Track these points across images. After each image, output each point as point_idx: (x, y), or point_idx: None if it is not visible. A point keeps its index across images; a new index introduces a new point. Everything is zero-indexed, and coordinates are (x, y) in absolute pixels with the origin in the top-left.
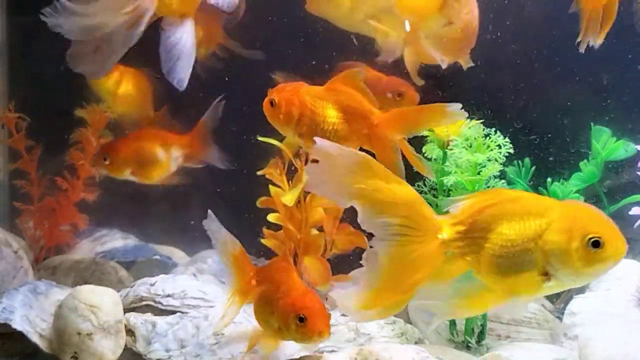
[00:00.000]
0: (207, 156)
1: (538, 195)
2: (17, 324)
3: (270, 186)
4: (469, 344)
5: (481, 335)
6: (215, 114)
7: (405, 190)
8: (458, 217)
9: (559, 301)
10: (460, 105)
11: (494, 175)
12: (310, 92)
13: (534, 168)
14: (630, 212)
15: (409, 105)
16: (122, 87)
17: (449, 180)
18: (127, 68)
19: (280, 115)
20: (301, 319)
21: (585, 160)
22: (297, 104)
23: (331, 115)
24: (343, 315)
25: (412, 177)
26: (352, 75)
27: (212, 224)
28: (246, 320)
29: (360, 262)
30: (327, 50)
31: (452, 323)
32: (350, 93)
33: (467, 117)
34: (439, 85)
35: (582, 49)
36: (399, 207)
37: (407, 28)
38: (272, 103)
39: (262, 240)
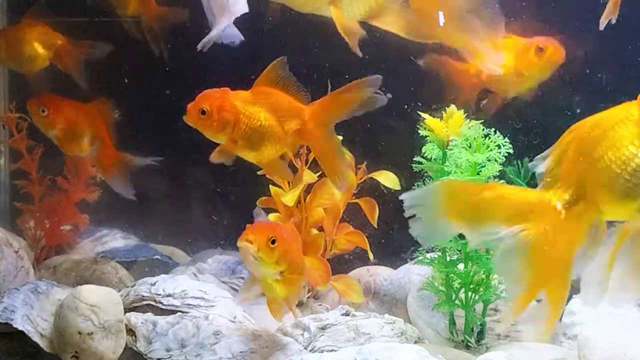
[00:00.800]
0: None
1: (603, 113)
2: (18, 324)
3: (271, 186)
4: (469, 344)
5: (481, 335)
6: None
7: (497, 190)
8: (554, 175)
9: None
10: (380, 77)
11: (493, 176)
12: (238, 97)
13: None
14: None
15: (554, 60)
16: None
17: None
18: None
19: (214, 123)
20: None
21: None
22: (230, 110)
23: (264, 118)
24: (344, 315)
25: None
26: (275, 66)
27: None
28: (246, 320)
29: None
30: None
31: (452, 322)
32: (278, 93)
33: (467, 118)
34: None
35: (602, 27)
36: (504, 208)
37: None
38: (203, 112)
39: None
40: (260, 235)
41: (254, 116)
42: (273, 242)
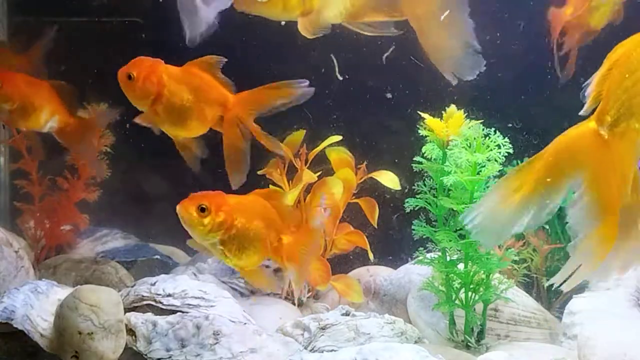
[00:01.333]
0: (83, 147)
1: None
2: (18, 324)
3: (271, 186)
4: (469, 344)
5: (481, 335)
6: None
7: (542, 157)
8: (597, 96)
9: (558, 300)
10: (307, 82)
11: (493, 175)
12: (168, 72)
13: None
14: None
15: None
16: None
17: (448, 180)
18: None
19: (137, 90)
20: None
21: None
22: (155, 82)
23: (187, 97)
24: (344, 315)
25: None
26: (210, 61)
27: None
28: (246, 320)
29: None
30: None
31: (452, 322)
32: (206, 77)
33: (467, 117)
34: None
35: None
36: (556, 169)
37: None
38: (130, 77)
39: None
40: (191, 202)
41: (177, 93)
42: (202, 210)
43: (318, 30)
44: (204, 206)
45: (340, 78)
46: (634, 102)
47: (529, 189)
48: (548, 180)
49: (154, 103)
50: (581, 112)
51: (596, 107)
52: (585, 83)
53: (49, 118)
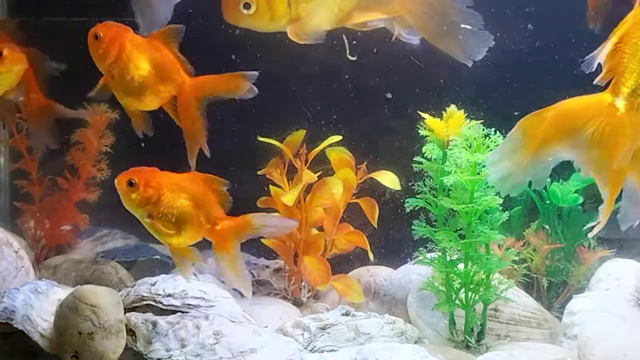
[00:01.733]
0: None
1: None
2: (19, 324)
3: (271, 186)
4: (469, 344)
5: (480, 335)
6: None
7: (558, 108)
8: (610, 68)
9: (558, 300)
10: (257, 74)
11: None
12: (132, 40)
13: None
14: None
15: None
16: None
17: (448, 180)
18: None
19: (100, 51)
20: (131, 183)
21: None
22: (117, 47)
23: (144, 68)
24: (344, 315)
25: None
26: (171, 30)
27: None
28: (246, 320)
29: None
30: None
31: (452, 322)
32: (167, 54)
33: (468, 117)
34: None
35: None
36: (569, 122)
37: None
38: (96, 36)
39: (263, 240)
40: (124, 176)
41: (134, 62)
42: (131, 184)
43: (308, 36)
44: (132, 181)
45: (352, 58)
46: None
47: (536, 143)
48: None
49: (111, 66)
50: (595, 81)
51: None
52: (591, 55)
53: (17, 88)
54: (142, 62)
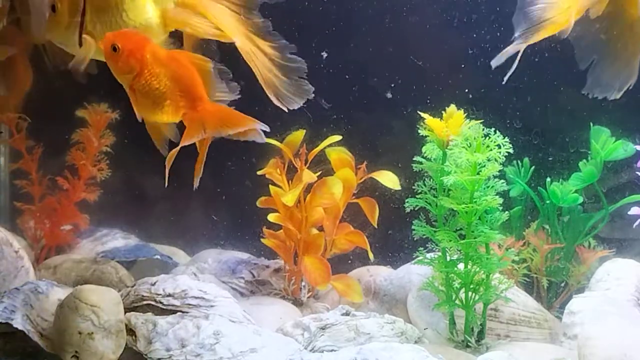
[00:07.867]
0: None
1: None
2: (19, 324)
3: (271, 186)
4: (469, 344)
5: (480, 335)
6: None
7: None
8: None
9: (558, 300)
10: (267, 128)
11: (493, 175)
12: (153, 52)
13: (533, 168)
14: (630, 212)
15: None
16: None
17: (448, 180)
18: None
19: (119, 63)
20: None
21: (584, 160)
22: (139, 59)
23: (164, 84)
24: (344, 314)
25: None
26: (201, 59)
27: None
28: (246, 320)
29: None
30: None
31: (452, 322)
32: (190, 71)
33: (467, 117)
34: None
35: None
36: None
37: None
38: (114, 48)
39: (263, 240)
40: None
41: (156, 77)
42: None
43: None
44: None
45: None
46: None
47: None
48: None
49: (133, 80)
50: None
51: None
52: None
53: None
54: (163, 76)
